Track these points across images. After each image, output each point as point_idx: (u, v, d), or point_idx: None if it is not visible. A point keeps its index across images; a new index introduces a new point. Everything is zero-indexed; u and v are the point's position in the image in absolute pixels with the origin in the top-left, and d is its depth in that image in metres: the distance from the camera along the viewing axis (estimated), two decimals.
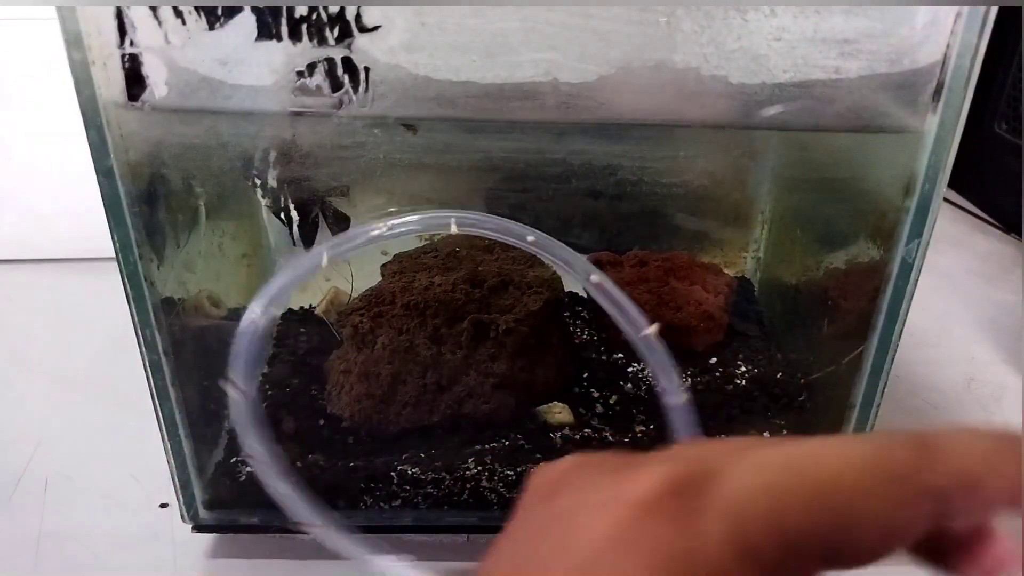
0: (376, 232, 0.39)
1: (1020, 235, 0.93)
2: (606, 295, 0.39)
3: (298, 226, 0.51)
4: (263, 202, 0.49)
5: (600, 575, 0.20)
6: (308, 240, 0.52)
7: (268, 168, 0.46)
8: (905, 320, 0.44)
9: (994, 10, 0.36)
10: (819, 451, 0.20)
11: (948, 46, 0.37)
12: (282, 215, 0.50)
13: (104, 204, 0.41)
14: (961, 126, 0.38)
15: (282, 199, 0.49)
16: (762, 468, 0.20)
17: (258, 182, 0.46)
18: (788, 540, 0.19)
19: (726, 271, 0.65)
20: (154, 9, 0.36)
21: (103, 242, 0.42)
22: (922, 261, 0.42)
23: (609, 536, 0.20)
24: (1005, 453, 0.19)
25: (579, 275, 0.39)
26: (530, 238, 0.39)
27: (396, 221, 0.39)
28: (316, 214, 0.51)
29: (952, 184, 0.40)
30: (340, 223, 0.52)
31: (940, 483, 0.19)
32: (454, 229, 0.39)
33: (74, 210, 0.80)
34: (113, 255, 0.42)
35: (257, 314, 0.40)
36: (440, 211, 0.39)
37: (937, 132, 0.39)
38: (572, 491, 0.23)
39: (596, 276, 0.39)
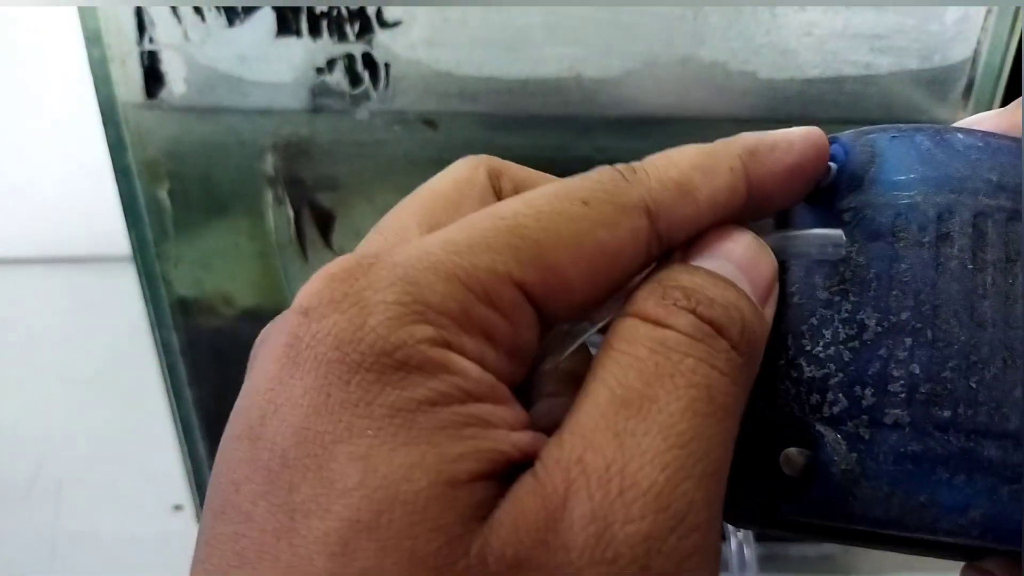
0: None
1: None
2: None
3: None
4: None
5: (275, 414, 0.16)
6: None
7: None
8: None
9: None
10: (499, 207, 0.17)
11: (979, 42, 0.37)
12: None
13: (121, 203, 0.40)
14: None
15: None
16: (438, 235, 0.17)
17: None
18: (472, 285, 0.16)
19: None
20: (174, 7, 0.36)
21: (115, 240, 0.41)
22: None
23: (276, 372, 0.16)
24: (713, 158, 0.18)
25: None
26: None
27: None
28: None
29: None
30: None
31: (643, 195, 0.17)
32: None
33: (86, 208, 0.80)
34: (125, 255, 0.42)
35: None
36: None
37: None
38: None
39: None
